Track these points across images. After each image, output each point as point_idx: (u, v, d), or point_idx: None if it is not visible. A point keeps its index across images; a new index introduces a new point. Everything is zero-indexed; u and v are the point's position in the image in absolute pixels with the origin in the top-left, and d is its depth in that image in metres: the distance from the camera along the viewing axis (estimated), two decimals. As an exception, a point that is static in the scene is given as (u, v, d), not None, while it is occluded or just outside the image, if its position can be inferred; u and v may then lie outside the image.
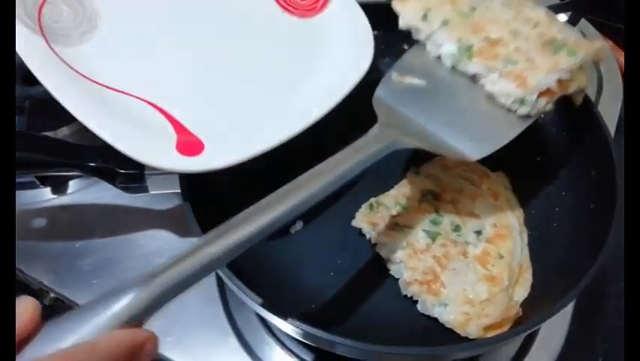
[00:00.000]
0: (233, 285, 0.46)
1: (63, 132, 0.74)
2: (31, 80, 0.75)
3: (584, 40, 0.52)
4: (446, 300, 0.51)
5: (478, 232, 0.56)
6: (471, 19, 0.53)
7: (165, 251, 0.64)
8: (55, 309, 0.65)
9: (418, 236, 0.54)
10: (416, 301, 0.53)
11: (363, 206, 0.57)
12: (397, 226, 0.55)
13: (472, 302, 0.50)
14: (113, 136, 0.44)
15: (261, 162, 0.64)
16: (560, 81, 0.49)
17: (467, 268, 0.53)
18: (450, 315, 0.50)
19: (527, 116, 0.50)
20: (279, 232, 0.58)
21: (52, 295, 0.63)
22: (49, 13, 0.50)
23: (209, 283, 0.62)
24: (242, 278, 0.46)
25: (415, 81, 0.53)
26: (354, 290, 0.55)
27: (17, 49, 0.45)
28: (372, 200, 0.58)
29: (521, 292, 0.54)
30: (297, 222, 0.59)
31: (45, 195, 0.68)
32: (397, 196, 0.58)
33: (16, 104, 0.72)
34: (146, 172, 0.53)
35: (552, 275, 0.54)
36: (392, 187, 0.60)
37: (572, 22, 0.89)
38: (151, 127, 0.47)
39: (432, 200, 0.58)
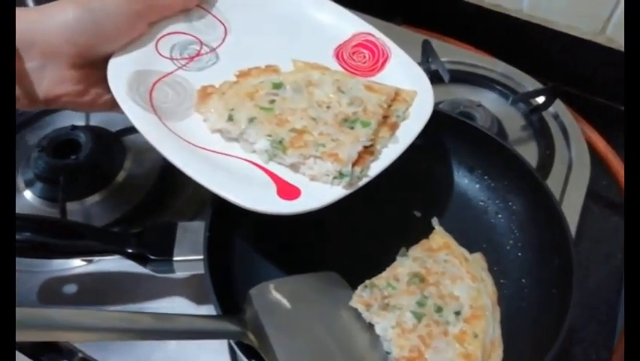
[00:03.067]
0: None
1: (93, 199, 0.82)
2: (63, 153, 0.84)
3: (372, 102, 0.61)
4: (429, 375, 0.59)
5: (457, 313, 0.63)
6: (273, 113, 0.60)
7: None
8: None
9: (406, 317, 0.62)
10: (404, 375, 0.61)
11: (360, 287, 0.64)
12: (388, 306, 0.63)
13: (451, 377, 0.59)
14: (223, 190, 0.53)
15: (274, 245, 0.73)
16: (365, 147, 0.58)
17: (447, 346, 0.61)
18: (432, 389, 0.59)
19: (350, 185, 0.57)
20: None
21: (80, 355, 0.71)
22: (158, 96, 0.60)
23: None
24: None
25: (284, 301, 0.58)
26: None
27: (138, 127, 0.55)
28: (367, 282, 0.65)
29: (493, 366, 0.62)
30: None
31: (75, 263, 0.76)
32: (389, 278, 0.65)
33: (51, 176, 0.81)
34: (174, 259, 0.62)
35: (520, 352, 0.63)
36: (384, 269, 0.67)
37: (547, 103, 0.99)
38: (253, 179, 0.56)
39: (418, 283, 0.66)
